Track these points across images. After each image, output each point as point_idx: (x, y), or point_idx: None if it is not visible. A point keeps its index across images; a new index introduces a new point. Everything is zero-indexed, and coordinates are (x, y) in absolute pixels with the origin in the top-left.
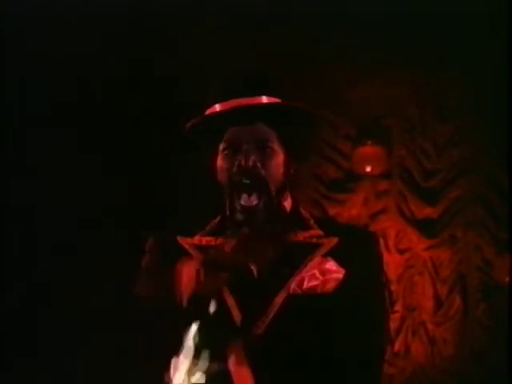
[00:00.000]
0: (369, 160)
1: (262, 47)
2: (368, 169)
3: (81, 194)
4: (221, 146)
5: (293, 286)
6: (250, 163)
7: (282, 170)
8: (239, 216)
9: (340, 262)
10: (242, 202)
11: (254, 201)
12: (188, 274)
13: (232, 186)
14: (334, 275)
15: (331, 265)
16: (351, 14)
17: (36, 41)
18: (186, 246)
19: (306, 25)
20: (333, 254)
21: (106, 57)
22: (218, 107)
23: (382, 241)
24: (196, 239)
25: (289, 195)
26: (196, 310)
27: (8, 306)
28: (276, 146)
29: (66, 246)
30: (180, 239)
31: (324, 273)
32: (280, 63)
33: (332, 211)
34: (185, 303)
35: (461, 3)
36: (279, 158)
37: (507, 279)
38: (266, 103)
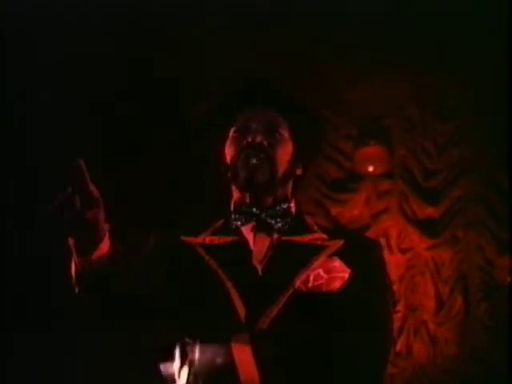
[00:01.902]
0: (371, 160)
1: (261, 47)
2: (370, 169)
3: None
4: (231, 131)
5: (298, 283)
6: (258, 140)
7: (289, 157)
8: (241, 173)
9: (345, 263)
10: (246, 160)
11: (256, 161)
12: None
13: (238, 161)
14: (340, 274)
15: (337, 264)
16: (351, 13)
17: (36, 41)
18: (192, 243)
19: (306, 25)
20: (338, 255)
21: (106, 57)
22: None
23: (383, 242)
24: (200, 238)
25: (293, 199)
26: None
27: (8, 306)
28: (286, 134)
29: (65, 246)
30: (184, 238)
31: (329, 271)
32: (280, 63)
33: (334, 211)
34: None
35: (461, 3)
36: (288, 146)
37: (508, 279)
38: (279, 90)
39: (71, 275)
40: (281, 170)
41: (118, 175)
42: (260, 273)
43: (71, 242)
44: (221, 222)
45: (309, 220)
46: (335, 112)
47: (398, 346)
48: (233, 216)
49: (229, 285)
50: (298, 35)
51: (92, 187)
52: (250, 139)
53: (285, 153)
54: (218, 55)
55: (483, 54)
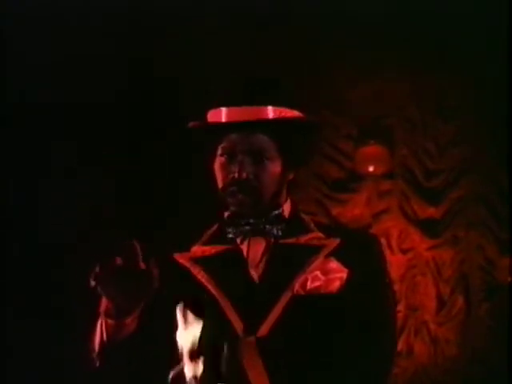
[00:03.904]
0: (371, 160)
1: (261, 47)
2: (371, 168)
3: (80, 194)
4: (218, 149)
5: (296, 287)
6: (244, 176)
7: (277, 179)
8: (230, 205)
9: (343, 262)
10: (232, 196)
11: (242, 196)
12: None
13: (225, 196)
14: (338, 275)
15: (334, 265)
16: (351, 13)
17: (36, 41)
18: (183, 262)
19: (306, 25)
20: (335, 254)
21: (106, 57)
22: (218, 113)
23: (384, 242)
24: (192, 252)
25: (288, 200)
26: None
27: (8, 306)
28: (273, 155)
29: (65, 247)
30: (176, 256)
31: (327, 272)
32: (280, 63)
33: (334, 211)
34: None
35: (461, 3)
36: (275, 169)
37: (509, 279)
38: (265, 119)
39: (93, 348)
40: (268, 193)
41: (118, 175)
42: (256, 279)
43: (105, 304)
44: (215, 227)
45: (305, 219)
46: (335, 112)
47: (399, 346)
48: (226, 228)
49: (226, 295)
50: (298, 35)
51: (142, 264)
52: (236, 174)
53: (272, 176)
54: (218, 55)
55: (483, 53)
